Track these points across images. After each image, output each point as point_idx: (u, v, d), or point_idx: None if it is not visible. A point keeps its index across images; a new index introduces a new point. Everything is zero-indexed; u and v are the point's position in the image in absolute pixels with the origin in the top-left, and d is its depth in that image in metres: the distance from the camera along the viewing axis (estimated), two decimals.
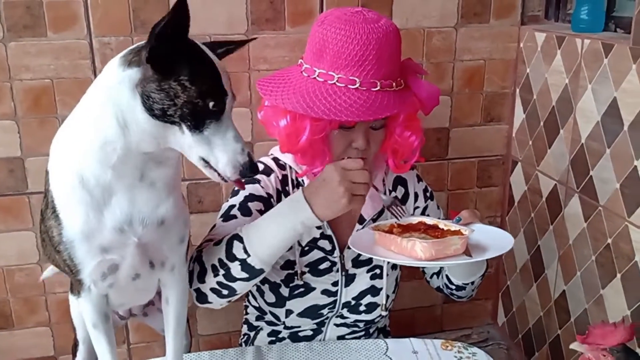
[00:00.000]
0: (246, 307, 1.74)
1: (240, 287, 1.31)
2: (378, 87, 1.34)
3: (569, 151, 1.99)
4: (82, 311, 1.22)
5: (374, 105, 1.32)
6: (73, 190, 1.06)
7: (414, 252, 1.26)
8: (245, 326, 1.76)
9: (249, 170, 1.08)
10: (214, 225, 1.46)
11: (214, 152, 1.06)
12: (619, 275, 1.77)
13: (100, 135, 1.04)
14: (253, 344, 1.69)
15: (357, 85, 1.32)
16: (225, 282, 1.29)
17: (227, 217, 1.45)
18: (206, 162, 1.07)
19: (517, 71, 2.30)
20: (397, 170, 1.56)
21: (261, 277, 1.30)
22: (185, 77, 1.00)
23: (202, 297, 1.33)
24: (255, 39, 1.26)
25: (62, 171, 1.08)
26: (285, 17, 2.06)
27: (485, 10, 2.23)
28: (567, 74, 1.96)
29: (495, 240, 1.35)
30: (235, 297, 1.34)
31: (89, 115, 1.05)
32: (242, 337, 1.77)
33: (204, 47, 1.07)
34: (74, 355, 1.51)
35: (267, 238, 1.26)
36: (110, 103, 1.02)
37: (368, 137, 1.40)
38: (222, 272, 1.28)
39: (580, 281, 1.97)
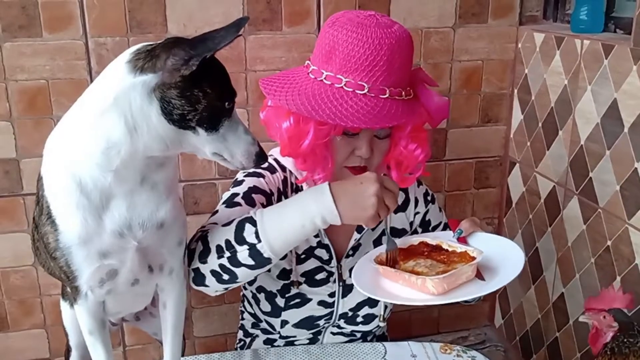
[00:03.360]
0: (242, 312, 1.72)
1: (243, 275, 1.22)
2: (387, 95, 1.29)
3: (568, 153, 1.98)
4: (78, 318, 1.19)
5: (382, 113, 1.27)
6: (70, 195, 1.04)
7: (425, 288, 1.21)
8: (240, 332, 1.74)
9: (261, 159, 1.14)
10: (215, 211, 1.38)
11: (228, 148, 1.10)
12: (619, 278, 1.77)
13: (103, 138, 1.02)
14: None
15: (366, 90, 1.27)
16: (228, 265, 1.21)
17: (231, 204, 1.38)
18: (220, 156, 1.11)
19: (515, 72, 2.30)
20: (400, 184, 1.49)
21: (266, 268, 1.23)
22: (207, 84, 1.03)
23: (199, 278, 1.25)
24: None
25: (57, 175, 1.06)
26: (282, 18, 2.04)
27: (483, 11, 2.22)
28: (566, 75, 1.96)
29: (503, 253, 1.31)
30: (234, 285, 1.27)
31: (90, 119, 1.03)
32: (237, 342, 1.75)
33: None
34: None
35: (282, 225, 1.19)
36: (118, 107, 1.01)
37: (372, 145, 1.36)
38: (227, 254, 1.20)
39: (579, 283, 1.96)
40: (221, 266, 1.22)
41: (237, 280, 1.24)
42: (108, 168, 1.04)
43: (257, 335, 1.67)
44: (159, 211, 1.13)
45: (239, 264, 1.20)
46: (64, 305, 1.44)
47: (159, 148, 1.06)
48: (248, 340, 1.70)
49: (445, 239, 1.36)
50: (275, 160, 1.51)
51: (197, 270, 1.24)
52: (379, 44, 1.27)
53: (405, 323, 2.55)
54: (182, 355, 1.51)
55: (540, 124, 2.14)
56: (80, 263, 1.08)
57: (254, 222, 1.19)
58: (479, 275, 1.25)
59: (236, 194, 1.41)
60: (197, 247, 1.25)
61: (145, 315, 1.51)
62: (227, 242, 1.21)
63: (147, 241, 1.13)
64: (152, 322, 1.49)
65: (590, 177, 1.86)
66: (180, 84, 1.01)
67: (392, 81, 1.29)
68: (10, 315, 2.14)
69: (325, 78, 1.31)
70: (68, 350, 1.49)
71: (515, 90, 2.31)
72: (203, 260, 1.23)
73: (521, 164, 2.31)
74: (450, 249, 1.32)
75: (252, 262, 1.20)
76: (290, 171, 1.49)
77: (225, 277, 1.23)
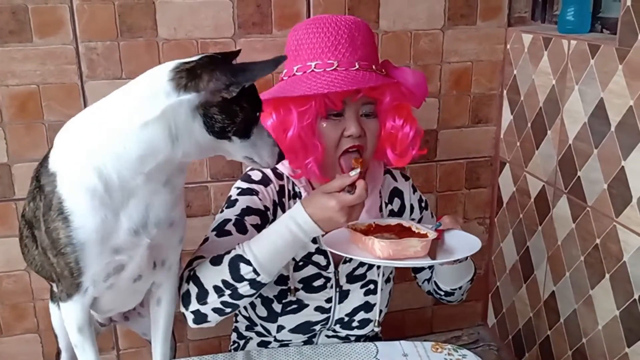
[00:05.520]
0: (236, 315, 1.72)
1: (244, 303, 1.29)
2: (357, 67, 1.36)
3: (556, 152, 1.99)
4: (69, 316, 1.20)
5: (356, 79, 1.33)
6: (94, 192, 1.08)
7: (374, 250, 1.28)
8: (234, 334, 1.74)
9: (282, 157, 1.25)
10: (206, 239, 1.41)
11: (258, 152, 1.21)
12: (607, 276, 1.78)
13: (144, 145, 1.09)
14: None
15: (335, 66, 1.35)
16: (230, 301, 1.26)
17: (221, 232, 1.41)
18: (250, 159, 1.21)
19: (504, 73, 2.31)
20: (398, 162, 1.52)
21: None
22: (243, 99, 1.13)
23: (200, 318, 1.29)
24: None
25: (82, 173, 1.09)
26: (272, 21, 2.06)
27: (471, 12, 2.23)
28: (554, 75, 1.97)
29: (464, 244, 1.36)
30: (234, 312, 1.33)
31: (131, 127, 1.09)
32: (231, 344, 1.75)
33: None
34: None
35: (276, 258, 1.26)
36: (164, 120, 1.09)
37: (360, 123, 1.39)
38: (227, 292, 1.25)
39: (570, 282, 1.98)
40: (223, 303, 1.27)
41: (239, 309, 1.33)
42: (140, 171, 1.10)
43: (250, 338, 1.67)
44: (173, 211, 1.20)
45: (240, 297, 1.26)
46: (53, 308, 1.46)
47: (195, 154, 1.16)
48: (242, 342, 1.70)
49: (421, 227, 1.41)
50: (272, 168, 1.52)
51: (197, 311, 1.29)
52: (336, 26, 1.37)
53: (399, 324, 2.56)
54: (175, 357, 1.52)
55: (529, 124, 2.15)
56: (91, 259, 1.11)
57: (247, 262, 1.24)
58: (432, 256, 1.32)
59: (228, 220, 1.42)
60: (191, 290, 1.28)
61: (134, 316, 1.53)
62: (225, 282, 1.25)
63: (158, 239, 1.19)
64: (140, 322, 1.52)
65: (579, 176, 1.88)
66: (221, 103, 1.11)
67: (358, 56, 1.37)
68: (2, 320, 2.14)
69: (296, 71, 1.38)
70: (58, 352, 1.50)
71: (505, 91, 2.33)
72: (202, 302, 1.27)
73: (511, 163, 2.32)
74: (417, 231, 1.37)
75: (253, 292, 1.27)
76: (287, 177, 1.51)
77: (228, 310, 1.29)
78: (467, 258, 1.36)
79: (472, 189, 2.48)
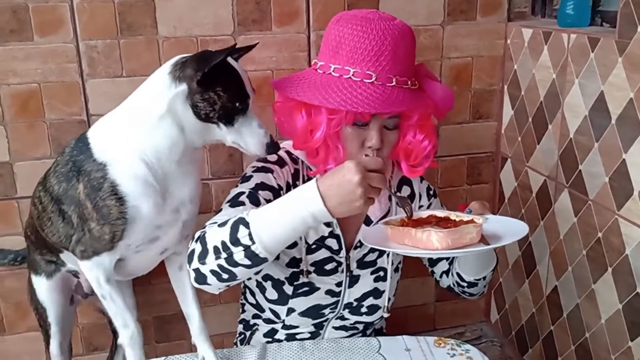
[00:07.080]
0: (243, 304, 1.73)
1: (241, 273, 1.23)
2: (394, 83, 1.35)
3: (557, 146, 1.99)
4: (97, 268, 1.38)
5: (390, 99, 1.33)
6: (145, 181, 1.32)
7: (430, 243, 1.23)
8: (240, 325, 1.75)
9: (272, 148, 1.39)
10: (220, 210, 1.42)
11: (243, 139, 1.37)
12: (610, 269, 1.78)
13: (166, 137, 1.32)
14: (249, 344, 1.68)
15: (373, 79, 1.34)
16: (226, 266, 1.22)
17: (235, 203, 1.41)
18: (238, 144, 1.38)
19: (505, 68, 2.31)
20: (410, 174, 1.53)
21: (263, 265, 1.23)
22: (220, 89, 1.30)
23: (200, 278, 1.27)
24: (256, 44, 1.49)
25: (133, 166, 1.32)
26: (272, 18, 2.06)
27: (471, 8, 2.23)
28: (554, 70, 1.97)
29: (508, 228, 1.34)
30: (235, 283, 1.28)
31: (151, 122, 1.32)
32: (237, 335, 1.76)
33: (229, 59, 1.35)
34: (47, 343, 1.69)
35: (275, 229, 1.18)
36: (171, 113, 1.31)
37: (382, 136, 1.40)
38: (224, 255, 1.21)
39: (572, 276, 1.98)
40: (219, 266, 1.23)
41: (237, 278, 1.26)
42: (173, 159, 1.35)
43: (257, 328, 1.68)
44: (198, 187, 1.45)
45: (236, 264, 1.22)
46: (38, 280, 1.64)
47: (199, 140, 1.37)
48: (248, 333, 1.71)
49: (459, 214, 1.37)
50: (287, 152, 1.55)
51: (197, 270, 1.27)
52: (383, 35, 1.34)
53: (401, 320, 2.55)
54: (175, 354, 1.54)
55: (530, 119, 2.15)
56: (137, 231, 1.35)
57: (246, 224, 1.20)
58: (484, 242, 1.28)
59: (242, 193, 1.44)
60: (196, 248, 1.27)
61: None
62: (223, 243, 1.22)
63: (191, 215, 1.44)
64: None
65: (580, 170, 1.88)
66: (201, 89, 1.29)
67: (398, 70, 1.36)
68: (6, 318, 2.15)
69: (333, 71, 1.38)
70: (47, 332, 1.66)
71: (505, 86, 2.32)
72: (202, 262, 1.25)
73: (512, 159, 2.32)
74: (457, 219, 1.33)
75: (248, 262, 1.21)
76: (302, 161, 1.53)
77: (225, 276, 1.25)
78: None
79: (473, 184, 2.48)
